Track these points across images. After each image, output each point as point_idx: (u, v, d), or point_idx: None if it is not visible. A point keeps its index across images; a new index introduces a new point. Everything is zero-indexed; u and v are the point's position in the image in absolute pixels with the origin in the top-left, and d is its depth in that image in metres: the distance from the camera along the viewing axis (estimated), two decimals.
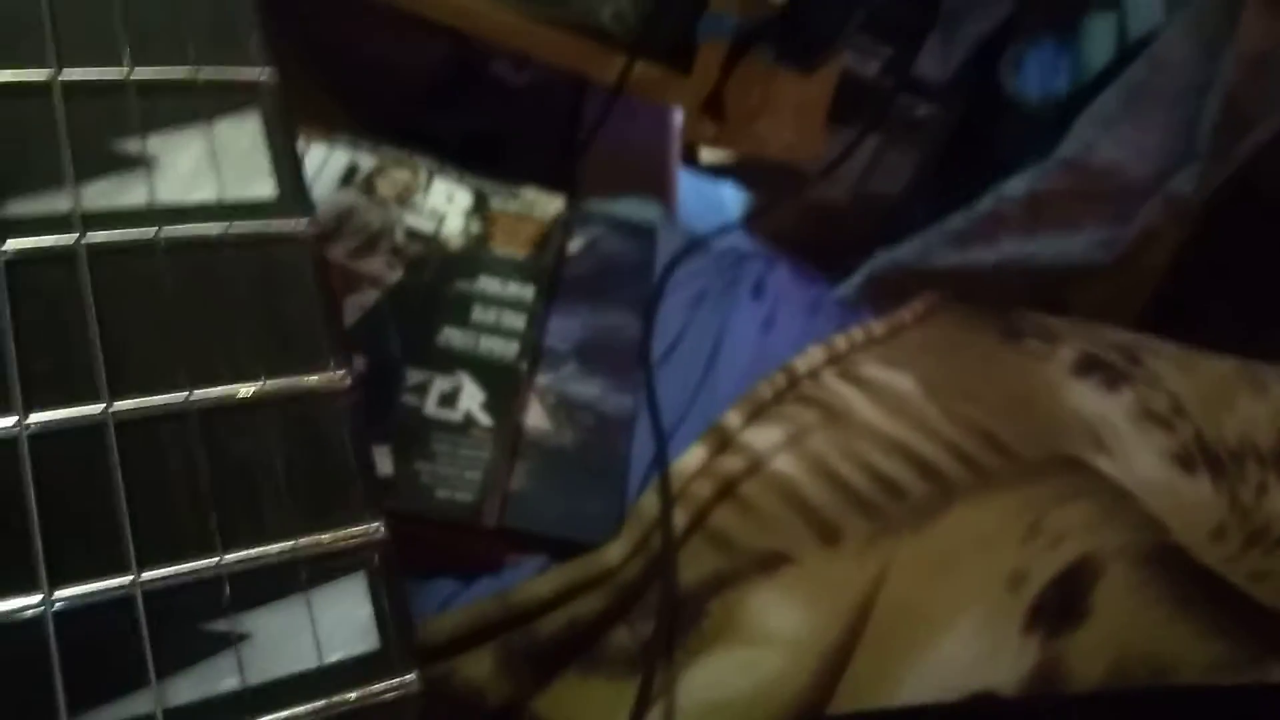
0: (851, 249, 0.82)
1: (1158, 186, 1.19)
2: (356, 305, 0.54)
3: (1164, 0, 1.22)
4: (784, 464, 0.53)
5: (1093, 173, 1.23)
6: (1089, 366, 0.65)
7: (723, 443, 0.54)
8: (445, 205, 0.61)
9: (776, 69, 0.58)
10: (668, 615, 0.47)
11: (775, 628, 0.48)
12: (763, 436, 0.54)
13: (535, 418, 0.54)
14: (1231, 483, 0.60)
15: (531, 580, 0.48)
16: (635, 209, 0.70)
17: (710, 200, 1.47)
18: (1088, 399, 0.62)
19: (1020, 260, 1.16)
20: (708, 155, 0.64)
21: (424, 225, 0.59)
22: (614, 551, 0.49)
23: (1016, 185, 1.30)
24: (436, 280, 0.57)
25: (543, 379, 0.56)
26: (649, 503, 0.50)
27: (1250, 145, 1.12)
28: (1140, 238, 1.21)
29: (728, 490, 0.52)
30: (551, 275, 0.60)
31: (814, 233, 0.98)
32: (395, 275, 0.56)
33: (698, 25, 0.57)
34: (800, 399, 0.57)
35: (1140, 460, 0.59)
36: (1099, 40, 1.31)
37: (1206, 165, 1.13)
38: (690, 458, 0.53)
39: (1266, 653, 0.57)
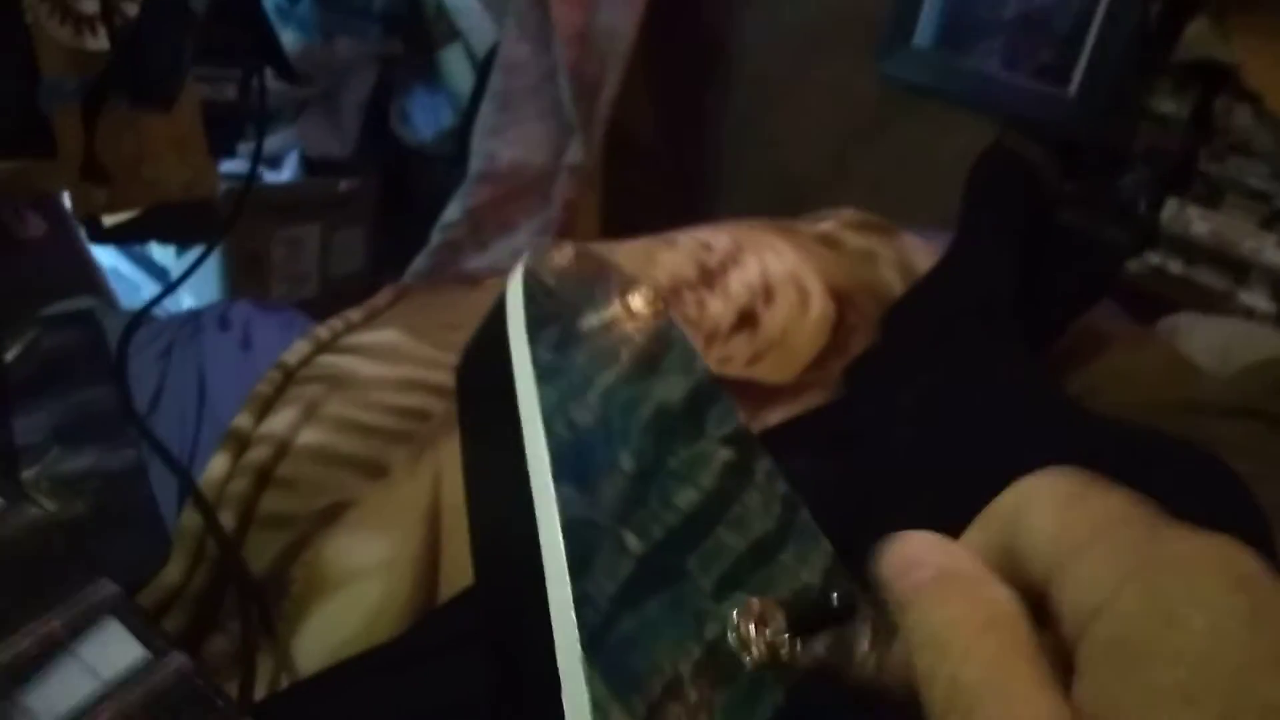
0: None
1: (557, 165, 1.37)
2: None
3: (491, 15, 1.42)
4: (309, 436, 0.55)
5: (504, 176, 1.39)
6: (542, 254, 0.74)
7: (242, 442, 0.54)
8: None
9: (137, 115, 0.60)
10: (251, 594, 0.46)
11: (360, 562, 0.50)
12: (279, 421, 0.56)
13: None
14: (677, 308, 0.72)
15: None
16: (68, 306, 0.67)
17: (145, 263, 1.42)
18: None
19: (486, 273, 1.27)
20: (112, 220, 0.64)
21: None
22: (172, 571, 0.47)
23: (452, 212, 1.42)
24: None
25: (28, 474, 0.52)
26: (189, 518, 0.50)
27: (606, 104, 1.33)
28: (566, 211, 1.38)
29: (264, 478, 0.53)
30: None
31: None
32: None
33: (38, 101, 0.57)
34: (302, 381, 0.59)
35: None
36: (456, 68, 1.48)
37: (583, 131, 1.33)
38: (215, 467, 0.53)
39: (759, 409, 0.69)
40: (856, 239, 0.90)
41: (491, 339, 0.25)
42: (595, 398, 0.24)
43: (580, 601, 0.20)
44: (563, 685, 0.19)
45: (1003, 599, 0.20)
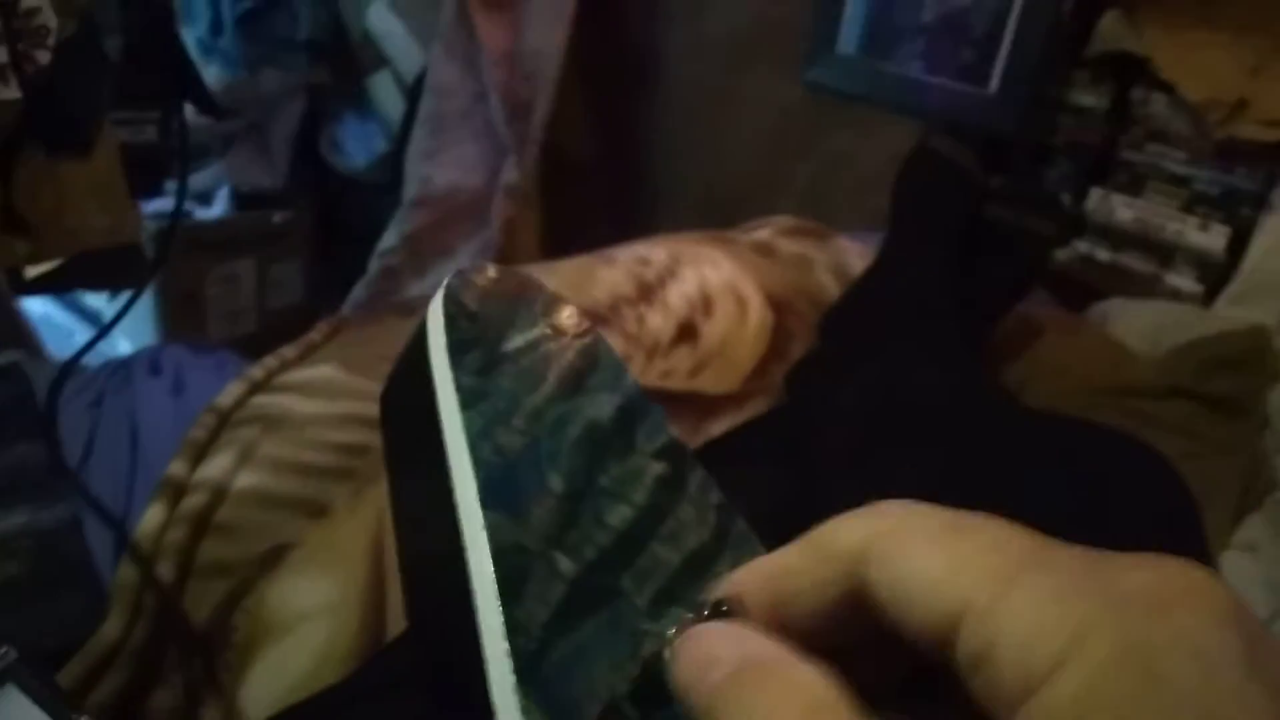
0: None
1: (492, 186, 1.37)
2: None
3: (418, 40, 1.41)
4: (246, 479, 0.54)
5: (440, 200, 1.38)
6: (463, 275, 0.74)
7: (178, 490, 0.53)
8: None
9: (54, 163, 0.58)
10: (193, 646, 0.45)
11: (304, 605, 0.49)
12: (215, 467, 0.54)
13: None
14: (617, 325, 0.72)
15: None
16: None
17: (76, 308, 1.39)
18: None
19: (423, 301, 1.26)
20: (35, 270, 0.62)
21: None
22: (110, 627, 0.46)
23: (389, 239, 1.41)
24: None
25: None
26: (125, 572, 0.48)
27: (539, 123, 1.33)
28: (504, 231, 1.38)
29: (202, 525, 0.52)
30: None
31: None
32: None
33: None
34: (237, 424, 0.58)
35: None
36: (386, 95, 1.47)
37: (517, 151, 1.33)
38: (151, 517, 0.51)
39: (703, 420, 0.70)
40: (791, 245, 0.90)
41: (413, 366, 0.25)
42: (522, 420, 0.24)
43: (513, 629, 0.19)
44: (498, 717, 0.19)
45: (815, 682, 0.17)
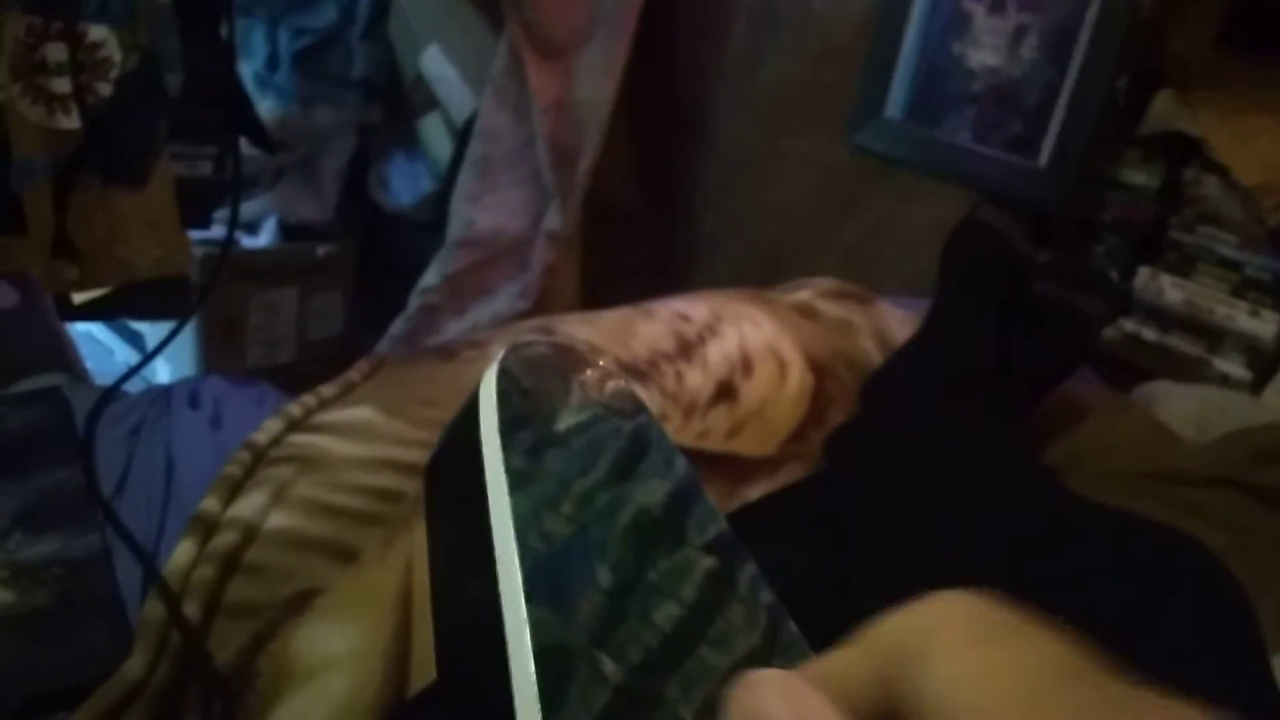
0: None
1: (534, 231, 1.38)
2: None
3: (470, 85, 1.43)
4: (277, 520, 0.54)
5: (483, 242, 1.39)
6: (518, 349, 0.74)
7: (209, 528, 0.53)
8: None
9: (109, 193, 0.59)
10: (215, 689, 0.45)
11: (329, 651, 0.48)
12: (248, 506, 0.54)
13: None
14: (656, 381, 0.72)
15: None
16: (37, 383, 0.66)
17: (120, 329, 1.40)
18: None
19: (468, 335, 1.26)
20: (83, 297, 0.63)
21: None
22: (134, 665, 0.46)
23: (430, 277, 1.42)
24: None
25: None
26: (152, 609, 0.48)
27: (585, 171, 1.34)
28: (544, 275, 1.38)
29: (232, 565, 0.51)
30: None
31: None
32: None
33: (9, 179, 0.56)
34: (272, 463, 0.58)
35: None
36: (435, 137, 1.49)
37: (562, 200, 1.34)
38: (181, 554, 0.51)
39: (739, 484, 0.69)
40: (833, 308, 0.90)
41: (462, 440, 0.25)
42: (571, 506, 0.23)
43: None
44: None
45: None
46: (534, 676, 0.19)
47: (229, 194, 0.65)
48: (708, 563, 0.23)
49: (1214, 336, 0.92)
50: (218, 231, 0.92)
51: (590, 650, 0.20)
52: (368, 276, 1.62)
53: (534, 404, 0.25)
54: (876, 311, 0.91)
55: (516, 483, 0.23)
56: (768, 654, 0.22)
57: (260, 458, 0.58)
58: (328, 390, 0.68)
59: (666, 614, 0.22)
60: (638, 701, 0.20)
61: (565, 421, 0.25)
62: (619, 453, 0.25)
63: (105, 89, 0.58)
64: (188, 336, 1.40)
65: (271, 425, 0.61)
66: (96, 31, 0.58)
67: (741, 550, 0.24)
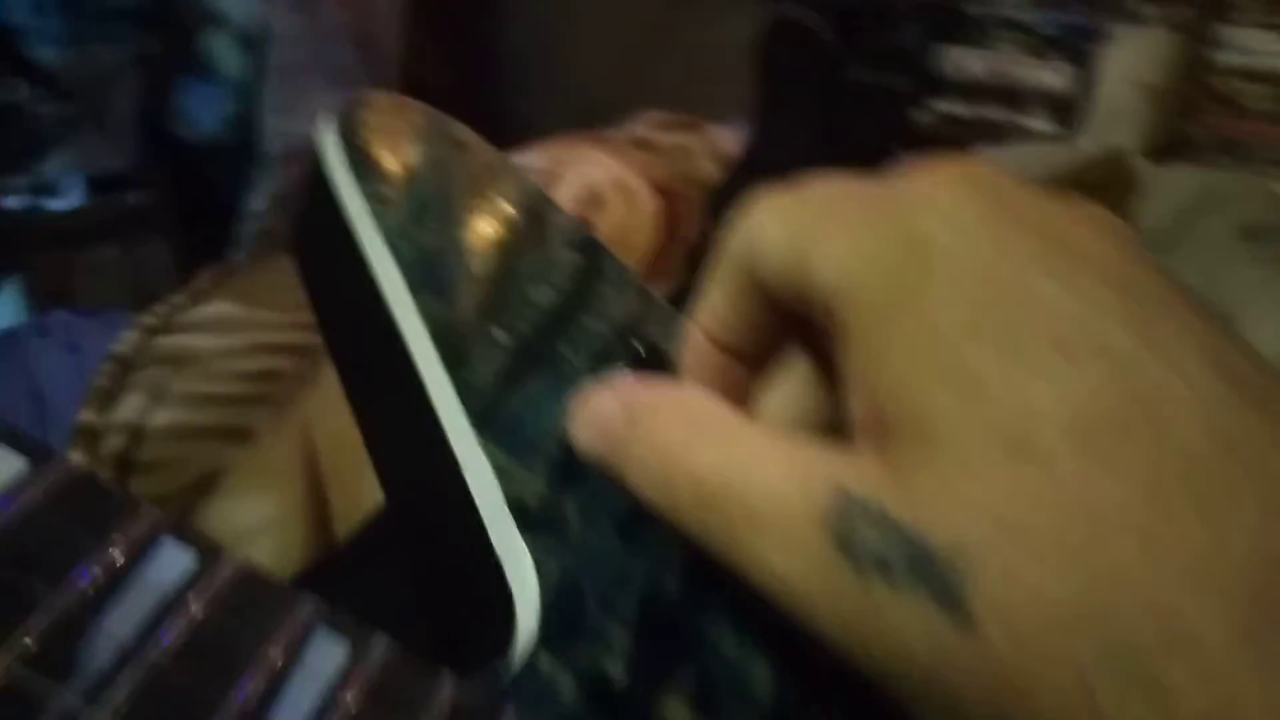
0: None
1: None
2: None
3: None
4: (162, 417, 0.53)
5: (306, 153, 1.35)
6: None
7: (91, 436, 0.52)
8: None
9: None
10: None
11: (245, 524, 0.49)
12: (126, 409, 0.54)
13: None
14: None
15: None
16: None
17: None
18: None
19: None
20: None
21: None
22: None
23: (257, 202, 1.37)
24: None
25: None
26: None
27: (392, 56, 1.31)
28: None
29: (127, 466, 0.51)
30: None
31: None
32: None
33: None
34: (140, 367, 0.57)
35: None
36: (224, 53, 1.42)
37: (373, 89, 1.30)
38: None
39: None
40: (667, 137, 0.92)
41: (316, 193, 0.26)
42: (434, 221, 0.24)
43: (462, 389, 0.21)
44: (463, 467, 0.20)
45: (695, 398, 0.18)
46: (433, 348, 0.21)
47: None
48: (573, 256, 0.25)
49: (1019, 99, 0.98)
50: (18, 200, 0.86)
51: (479, 324, 0.22)
52: (192, 218, 1.55)
53: (375, 137, 0.26)
54: (708, 134, 0.93)
55: (376, 208, 0.24)
56: (645, 316, 0.24)
57: (127, 366, 0.57)
58: (178, 298, 0.66)
59: (544, 295, 0.24)
60: (535, 359, 0.22)
61: (410, 152, 0.26)
62: (468, 173, 0.26)
63: None
64: (19, 315, 1.33)
65: (131, 336, 0.60)
66: None
67: (606, 250, 0.26)
